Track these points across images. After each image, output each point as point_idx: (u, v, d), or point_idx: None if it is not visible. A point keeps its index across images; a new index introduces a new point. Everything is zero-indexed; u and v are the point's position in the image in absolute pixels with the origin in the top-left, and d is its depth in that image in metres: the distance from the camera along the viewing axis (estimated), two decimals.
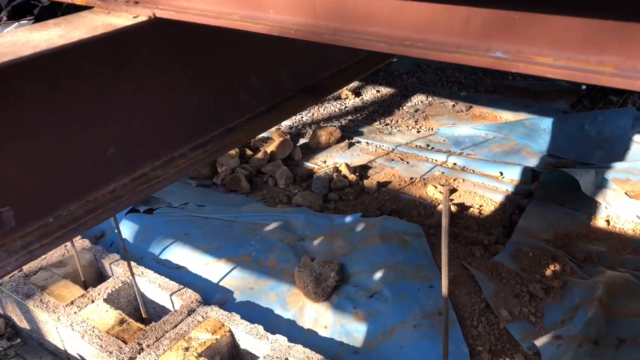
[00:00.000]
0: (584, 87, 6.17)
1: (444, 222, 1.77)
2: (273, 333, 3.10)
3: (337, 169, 4.83)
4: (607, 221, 4.09)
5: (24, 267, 3.71)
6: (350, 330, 3.22)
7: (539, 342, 2.86)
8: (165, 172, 2.03)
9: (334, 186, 4.65)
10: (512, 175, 4.69)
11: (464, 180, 4.70)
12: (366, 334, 3.19)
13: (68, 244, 3.89)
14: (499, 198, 4.43)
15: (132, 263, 3.71)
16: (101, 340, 3.11)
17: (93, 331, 3.17)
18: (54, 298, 3.43)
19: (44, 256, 3.83)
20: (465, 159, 5.00)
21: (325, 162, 5.16)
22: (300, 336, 3.24)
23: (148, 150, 1.93)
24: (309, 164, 5.13)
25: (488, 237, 3.89)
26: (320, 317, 3.33)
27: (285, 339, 3.04)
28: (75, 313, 3.30)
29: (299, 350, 2.97)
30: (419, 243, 3.55)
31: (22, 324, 3.64)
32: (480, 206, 4.37)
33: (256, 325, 3.15)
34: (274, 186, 4.79)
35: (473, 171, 4.85)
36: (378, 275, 3.40)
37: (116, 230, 3.11)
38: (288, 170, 4.86)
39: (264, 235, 3.93)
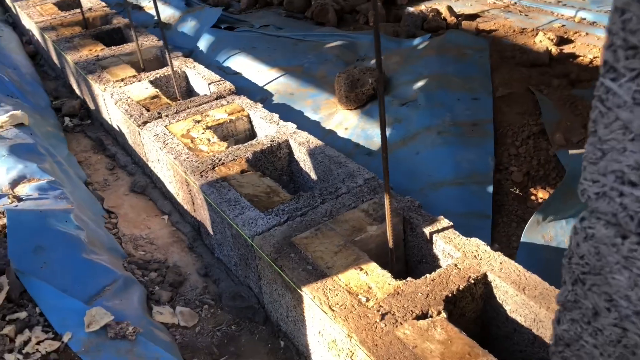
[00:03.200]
0: None
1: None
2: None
3: (436, 10, 4.28)
4: None
5: (98, 52, 3.91)
6: (371, 134, 2.86)
7: (574, 151, 2.24)
8: None
9: (426, 26, 4.13)
10: None
11: (587, 34, 3.87)
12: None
13: (143, 41, 4.02)
14: None
15: (189, 59, 3.71)
16: (129, 106, 3.16)
17: (126, 100, 3.23)
18: (110, 75, 3.57)
19: (119, 47, 4.00)
20: (599, 15, 4.10)
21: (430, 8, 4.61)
22: (319, 134, 2.97)
23: None
24: (411, 9, 4.63)
25: (580, 73, 3.15)
26: (345, 121, 3.01)
27: (295, 126, 2.80)
28: (120, 87, 3.40)
29: (302, 135, 2.72)
30: (479, 57, 2.99)
31: (91, 105, 3.88)
32: (594, 57, 3.55)
33: (273, 113, 2.94)
34: (364, 24, 4.42)
35: (604, 27, 3.96)
36: (419, 84, 2.95)
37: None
38: (383, 8, 4.44)
39: (324, 52, 3.65)
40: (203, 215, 2.55)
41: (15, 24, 5.67)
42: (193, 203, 2.63)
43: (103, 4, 5.08)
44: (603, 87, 0.70)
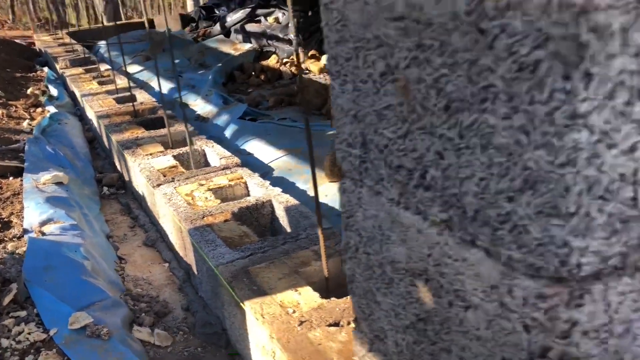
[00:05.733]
0: None
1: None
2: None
3: None
4: None
5: (138, 134, 4.62)
6: None
7: None
8: None
9: None
10: None
11: None
12: None
13: (177, 127, 4.71)
14: None
15: (210, 141, 4.34)
16: (150, 173, 3.75)
17: (149, 169, 3.83)
18: (142, 151, 4.22)
19: (156, 130, 4.70)
20: None
21: None
22: (303, 199, 3.41)
23: None
24: None
25: None
26: (327, 190, 3.46)
27: (280, 190, 3.27)
28: (147, 159, 4.03)
29: (283, 196, 3.18)
30: None
31: (126, 176, 4.52)
32: None
33: (266, 181, 3.44)
34: None
35: None
36: None
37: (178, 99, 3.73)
38: None
39: (324, 138, 4.19)
40: (191, 257, 2.99)
41: (81, 115, 6.62)
42: (185, 248, 3.09)
43: (154, 99, 5.92)
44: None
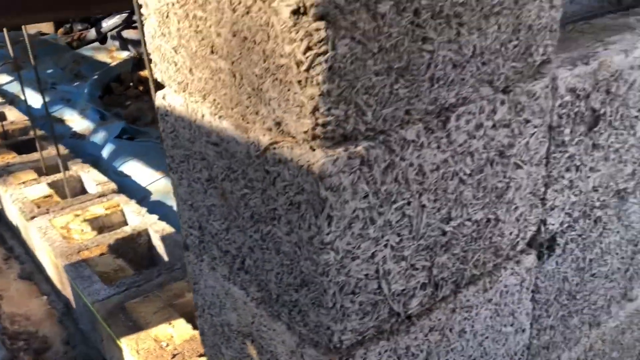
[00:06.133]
0: None
1: None
2: (161, 219, 3.48)
3: None
4: None
5: (9, 160, 4.51)
6: None
7: None
8: None
9: None
10: None
11: None
12: None
13: (51, 150, 4.65)
14: None
15: (86, 165, 4.35)
16: (23, 204, 3.72)
17: (22, 200, 3.80)
18: (14, 179, 4.14)
19: (28, 155, 4.62)
20: None
21: None
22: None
23: None
24: None
25: None
26: None
27: (157, 217, 3.41)
28: (20, 188, 3.98)
29: (159, 224, 3.32)
30: None
31: (0, 206, 4.41)
32: None
33: (142, 208, 3.56)
34: None
35: None
36: None
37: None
38: None
39: None
40: (68, 292, 3.06)
41: None
42: (62, 282, 3.15)
43: (25, 118, 5.74)
44: None
